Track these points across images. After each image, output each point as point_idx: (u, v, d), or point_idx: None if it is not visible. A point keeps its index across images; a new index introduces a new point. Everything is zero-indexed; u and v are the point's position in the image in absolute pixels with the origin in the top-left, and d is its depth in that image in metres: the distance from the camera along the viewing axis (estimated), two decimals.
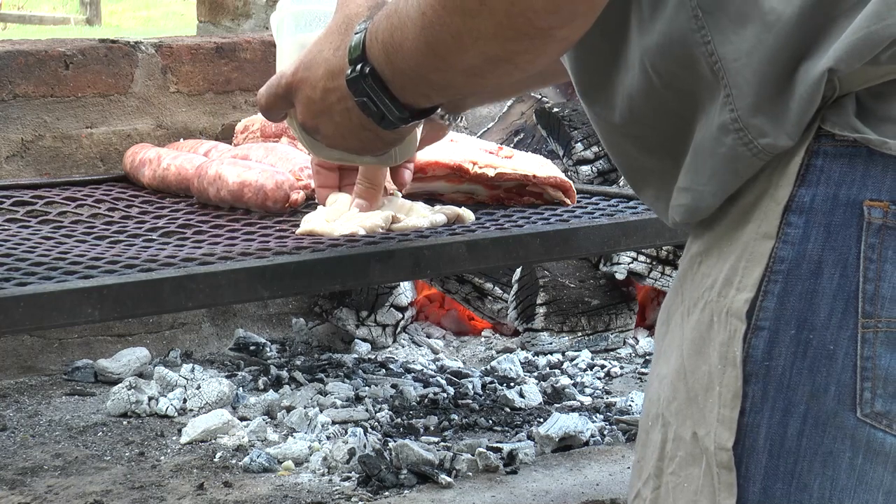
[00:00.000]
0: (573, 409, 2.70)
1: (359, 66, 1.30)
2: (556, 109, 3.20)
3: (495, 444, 2.46)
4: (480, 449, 2.41)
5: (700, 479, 1.17)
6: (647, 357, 3.09)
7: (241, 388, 2.72)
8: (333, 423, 2.54)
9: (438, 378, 2.86)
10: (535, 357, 3.03)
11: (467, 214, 2.01)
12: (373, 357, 3.01)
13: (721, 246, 1.18)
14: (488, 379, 2.86)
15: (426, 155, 2.15)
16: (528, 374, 2.92)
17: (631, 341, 3.17)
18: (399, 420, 2.59)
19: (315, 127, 1.43)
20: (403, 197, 2.11)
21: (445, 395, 2.74)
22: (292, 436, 2.50)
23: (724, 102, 1.15)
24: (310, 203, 2.08)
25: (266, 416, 2.59)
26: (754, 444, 1.15)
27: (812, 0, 1.11)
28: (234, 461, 2.39)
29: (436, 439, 2.50)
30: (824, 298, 1.13)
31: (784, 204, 1.14)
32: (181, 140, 2.76)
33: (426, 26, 1.19)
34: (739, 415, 1.15)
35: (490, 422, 2.62)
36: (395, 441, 2.43)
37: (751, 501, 1.15)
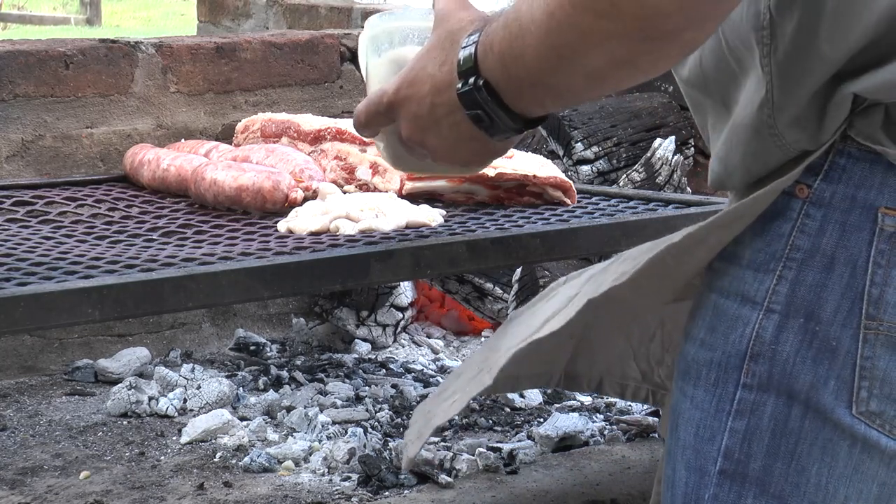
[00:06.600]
0: (573, 409, 2.70)
1: (471, 80, 1.32)
2: None
3: (495, 444, 2.46)
4: (480, 449, 2.41)
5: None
6: None
7: (241, 388, 2.72)
8: (333, 423, 2.54)
9: (438, 378, 2.86)
10: None
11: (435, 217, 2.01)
12: (373, 357, 3.01)
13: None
14: None
15: None
16: None
17: None
18: (399, 420, 2.59)
19: (421, 141, 1.44)
20: (403, 197, 2.12)
21: None
22: (292, 436, 2.50)
23: (764, 103, 1.20)
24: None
25: (266, 416, 2.59)
26: (759, 422, 1.20)
27: (863, 46, 1.16)
28: (234, 461, 2.39)
29: (436, 439, 2.50)
30: (833, 294, 1.18)
31: (805, 196, 1.20)
32: (182, 140, 2.76)
33: (553, 28, 1.20)
34: (745, 390, 1.21)
35: (490, 422, 2.61)
36: (395, 441, 2.43)
37: (751, 478, 1.21)
